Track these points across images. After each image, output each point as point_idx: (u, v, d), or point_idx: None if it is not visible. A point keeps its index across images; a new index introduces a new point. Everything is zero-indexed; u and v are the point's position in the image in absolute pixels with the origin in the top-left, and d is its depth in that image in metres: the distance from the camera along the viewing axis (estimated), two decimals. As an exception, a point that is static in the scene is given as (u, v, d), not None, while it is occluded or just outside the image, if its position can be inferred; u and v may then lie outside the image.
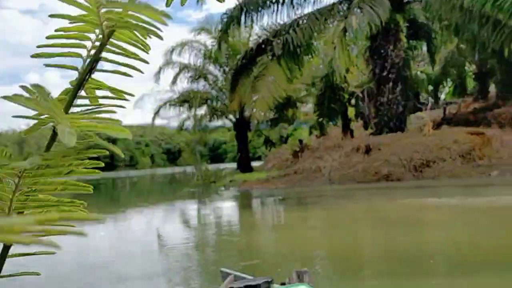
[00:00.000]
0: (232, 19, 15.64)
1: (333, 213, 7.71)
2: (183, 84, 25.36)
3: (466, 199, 7.58)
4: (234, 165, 27.21)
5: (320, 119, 19.05)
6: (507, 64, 16.90)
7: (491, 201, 7.26)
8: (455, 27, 14.85)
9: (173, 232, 6.84)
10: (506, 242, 4.22)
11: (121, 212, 10.63)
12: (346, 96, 20.30)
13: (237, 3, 15.57)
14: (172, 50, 24.36)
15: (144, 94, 25.52)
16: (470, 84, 27.67)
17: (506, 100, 16.95)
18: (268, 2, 15.80)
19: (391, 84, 15.25)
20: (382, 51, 15.22)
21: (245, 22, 16.16)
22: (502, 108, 15.79)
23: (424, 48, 18.71)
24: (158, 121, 28.59)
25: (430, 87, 21.51)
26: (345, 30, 12.87)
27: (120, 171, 43.89)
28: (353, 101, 22.66)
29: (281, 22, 16.50)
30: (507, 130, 13.84)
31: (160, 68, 24.91)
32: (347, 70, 16.06)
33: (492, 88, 22.10)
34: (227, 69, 23.26)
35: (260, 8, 15.76)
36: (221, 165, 33.81)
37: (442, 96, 32.31)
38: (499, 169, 11.30)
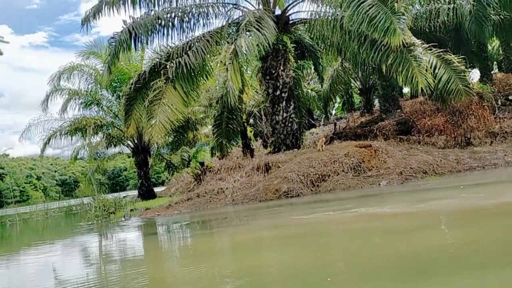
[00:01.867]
0: (121, 43, 15.17)
1: (239, 236, 7.64)
2: (74, 111, 24.07)
3: (368, 209, 7.92)
4: (136, 192, 26.23)
5: (220, 140, 19.08)
6: (385, 79, 18.41)
7: (387, 210, 7.69)
8: (337, 46, 15.84)
9: (72, 270, 6.27)
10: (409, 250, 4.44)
11: (12, 253, 9.65)
12: (244, 116, 20.61)
13: (124, 26, 15.16)
14: (59, 76, 23.05)
15: (30, 124, 23.72)
16: (357, 99, 29.77)
17: (388, 113, 18.43)
18: (157, 26, 15.60)
19: (284, 103, 15.78)
20: (273, 71, 15.73)
21: (135, 46, 15.78)
22: (385, 121, 17.08)
23: (312, 67, 19.73)
24: (50, 152, 26.80)
25: (322, 104, 22.71)
26: (236, 52, 13.06)
27: (8, 209, 40.07)
28: (251, 121, 23.10)
29: (173, 45, 16.38)
30: (391, 141, 15.02)
31: (48, 96, 23.42)
32: (242, 91, 16.32)
33: (376, 102, 23.93)
34: (121, 94, 22.51)
35: (149, 32, 15.49)
36: (123, 193, 32.38)
37: (333, 112, 34.36)
38: (387, 178, 12.11)
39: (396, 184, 11.73)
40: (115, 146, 25.74)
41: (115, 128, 24.23)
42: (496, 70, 30.49)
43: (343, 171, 12.85)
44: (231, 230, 8.62)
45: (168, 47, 16.42)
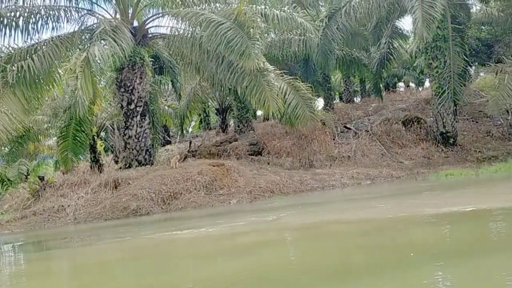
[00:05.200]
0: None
1: (79, 258, 7.14)
2: None
3: (220, 229, 7.95)
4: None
5: (65, 153, 17.61)
6: (240, 101, 19.13)
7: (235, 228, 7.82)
8: (196, 64, 16.00)
9: None
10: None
11: None
12: (95, 128, 19.41)
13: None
14: None
15: None
16: (214, 118, 30.31)
17: (242, 133, 19.11)
18: (-1, 25, 14.05)
19: (139, 117, 15.34)
20: (128, 84, 15.22)
21: (-33, 44, 13.90)
22: (239, 141, 17.62)
23: (170, 83, 19.59)
24: None
25: (178, 121, 22.57)
26: (88, 60, 12.33)
27: None
28: (102, 134, 21.88)
29: (16, 47, 14.85)
30: (243, 161, 15.51)
31: None
32: (93, 102, 15.42)
33: (232, 123, 24.58)
34: None
35: (-13, 31, 13.83)
36: None
37: (190, 129, 34.48)
38: (237, 197, 12.44)
39: (246, 202, 12.11)
40: None
41: None
42: (338, 100, 33.92)
43: (195, 189, 12.85)
44: (70, 252, 8.00)
45: (10, 48, 14.82)
